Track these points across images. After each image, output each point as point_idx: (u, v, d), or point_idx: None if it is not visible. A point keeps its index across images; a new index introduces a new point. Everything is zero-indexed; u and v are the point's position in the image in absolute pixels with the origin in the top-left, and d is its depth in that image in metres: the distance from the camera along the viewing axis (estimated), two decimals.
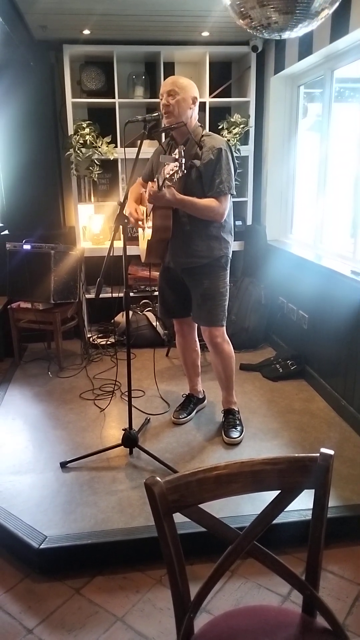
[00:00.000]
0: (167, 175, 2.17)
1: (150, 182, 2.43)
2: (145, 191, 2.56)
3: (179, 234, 2.55)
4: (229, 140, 3.81)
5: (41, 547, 2.00)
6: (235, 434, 2.74)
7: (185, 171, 2.20)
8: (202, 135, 2.52)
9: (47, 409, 3.19)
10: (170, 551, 1.10)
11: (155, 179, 2.32)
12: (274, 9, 1.75)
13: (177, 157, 2.13)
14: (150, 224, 2.54)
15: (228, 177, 2.47)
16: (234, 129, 3.94)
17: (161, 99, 2.48)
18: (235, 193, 2.56)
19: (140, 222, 2.64)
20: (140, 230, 2.79)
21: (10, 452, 2.71)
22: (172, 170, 2.16)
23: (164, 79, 3.76)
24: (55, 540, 2.04)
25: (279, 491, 1.16)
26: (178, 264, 2.64)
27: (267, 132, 4.06)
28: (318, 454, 1.15)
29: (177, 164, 2.13)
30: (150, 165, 2.78)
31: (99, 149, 3.84)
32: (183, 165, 2.14)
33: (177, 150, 2.15)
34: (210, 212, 2.47)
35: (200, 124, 2.60)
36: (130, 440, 2.57)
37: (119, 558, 2.05)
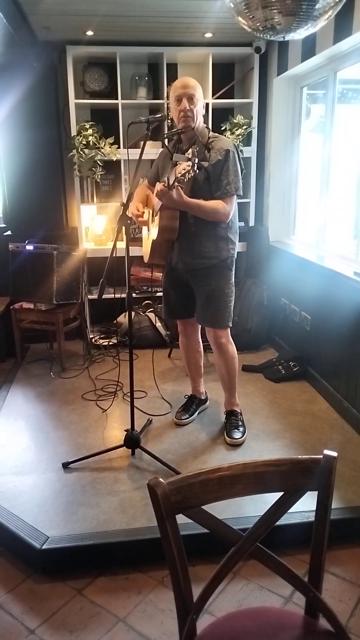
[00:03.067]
0: (179, 175, 2.17)
1: (159, 182, 2.42)
2: (152, 192, 2.56)
3: (186, 235, 2.55)
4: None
5: (43, 547, 2.00)
6: (237, 435, 2.74)
7: (197, 171, 2.20)
8: (209, 137, 2.52)
9: (49, 410, 3.19)
10: (173, 552, 1.10)
11: (166, 178, 2.32)
12: (277, 11, 1.75)
13: (190, 156, 2.14)
14: (156, 223, 2.54)
15: (235, 178, 2.47)
16: (236, 130, 3.95)
17: (178, 104, 2.45)
18: (241, 193, 2.56)
19: (140, 218, 2.63)
20: (144, 230, 2.79)
21: (12, 453, 2.71)
22: (184, 169, 2.15)
23: (167, 80, 3.80)
24: (57, 540, 2.04)
25: (282, 493, 1.16)
26: (186, 265, 2.64)
27: (270, 133, 4.06)
28: (321, 456, 1.15)
29: (190, 163, 2.13)
30: (155, 169, 2.78)
31: (102, 150, 3.85)
32: (195, 165, 2.14)
33: (190, 150, 2.17)
34: (216, 214, 2.48)
35: (206, 126, 2.61)
36: (132, 441, 2.57)
37: (121, 559, 2.05)
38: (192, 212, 2.47)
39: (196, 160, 2.14)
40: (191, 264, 2.62)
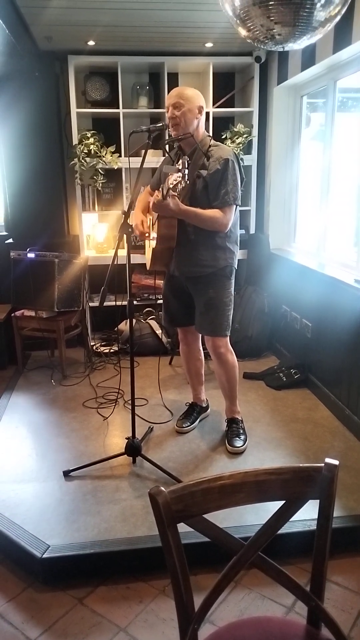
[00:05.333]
0: (171, 186, 2.18)
1: (156, 191, 2.44)
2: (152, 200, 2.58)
3: (184, 243, 2.55)
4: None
5: (44, 556, 1.99)
6: (238, 442, 2.74)
7: (188, 182, 2.21)
8: (210, 146, 2.53)
9: (50, 417, 3.19)
10: (174, 561, 1.09)
11: (160, 188, 2.33)
12: (277, 21, 1.76)
13: (180, 167, 2.15)
14: (155, 232, 2.55)
15: (234, 188, 2.47)
16: (237, 138, 3.97)
17: (167, 112, 2.50)
18: (240, 203, 2.56)
19: (146, 234, 2.65)
20: None
21: (13, 461, 2.71)
22: (176, 180, 2.17)
23: (168, 90, 3.83)
24: (58, 549, 2.03)
25: (284, 501, 1.16)
26: (182, 273, 2.64)
27: (270, 141, 4.08)
28: (323, 464, 1.14)
29: (180, 174, 2.15)
30: (158, 174, 2.80)
31: (103, 159, 3.87)
32: (186, 176, 2.15)
33: (180, 161, 2.17)
34: (214, 223, 2.48)
35: (208, 134, 2.62)
36: (133, 449, 2.56)
37: (122, 568, 2.04)
38: (189, 221, 2.47)
39: (186, 172, 2.14)
40: (188, 272, 2.62)
